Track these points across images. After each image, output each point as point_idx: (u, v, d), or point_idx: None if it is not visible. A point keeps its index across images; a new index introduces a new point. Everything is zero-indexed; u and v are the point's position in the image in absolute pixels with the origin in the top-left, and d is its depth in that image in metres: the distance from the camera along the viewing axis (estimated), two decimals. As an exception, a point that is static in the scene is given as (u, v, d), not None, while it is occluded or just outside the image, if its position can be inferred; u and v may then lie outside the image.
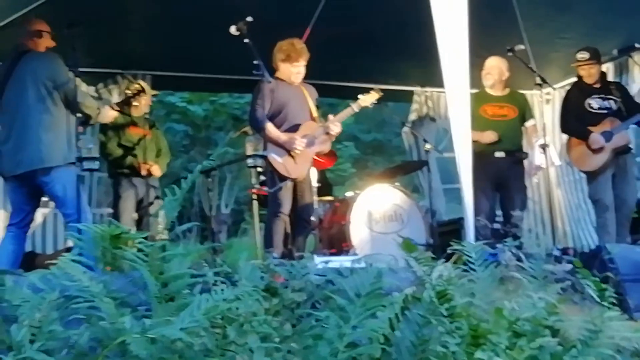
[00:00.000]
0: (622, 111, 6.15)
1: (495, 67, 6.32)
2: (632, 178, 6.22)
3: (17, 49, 5.05)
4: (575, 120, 6.22)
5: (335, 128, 5.66)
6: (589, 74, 6.20)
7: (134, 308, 2.31)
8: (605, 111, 6.19)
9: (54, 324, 2.18)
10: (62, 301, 2.25)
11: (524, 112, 6.48)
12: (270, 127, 5.36)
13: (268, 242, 5.26)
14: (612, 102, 6.21)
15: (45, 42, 5.08)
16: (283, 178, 5.36)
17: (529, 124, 6.49)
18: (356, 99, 5.91)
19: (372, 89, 5.96)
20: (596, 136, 6.06)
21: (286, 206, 5.40)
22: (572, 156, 6.33)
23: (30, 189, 5.00)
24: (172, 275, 2.24)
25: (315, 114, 5.70)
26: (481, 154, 5.89)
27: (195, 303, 1.96)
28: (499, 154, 6.24)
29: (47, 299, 2.21)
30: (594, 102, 6.23)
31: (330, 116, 5.74)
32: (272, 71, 5.48)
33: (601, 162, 6.08)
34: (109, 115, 5.51)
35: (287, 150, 5.42)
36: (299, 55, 5.53)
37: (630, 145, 6.30)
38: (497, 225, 5.95)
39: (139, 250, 2.27)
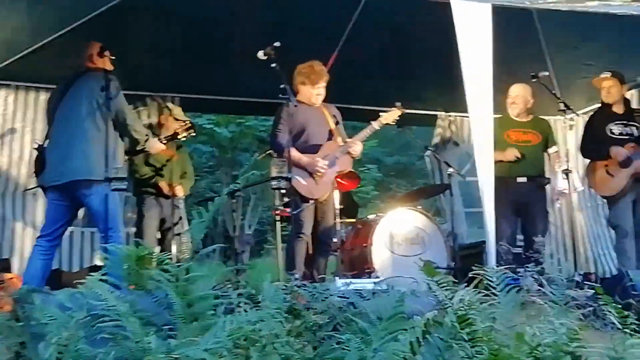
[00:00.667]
0: None
1: (520, 96, 6.34)
2: None
3: (77, 69, 5.16)
4: (595, 144, 6.21)
5: (356, 147, 5.70)
6: (609, 92, 6.16)
7: (159, 328, 2.34)
8: (626, 137, 6.16)
9: (81, 342, 2.22)
10: (89, 320, 2.28)
11: (547, 139, 6.46)
12: (291, 151, 5.42)
13: (290, 264, 5.29)
14: (634, 128, 6.17)
15: (106, 64, 5.18)
16: (305, 200, 5.40)
17: (552, 150, 6.47)
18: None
19: (394, 106, 5.97)
20: (619, 148, 6.05)
21: (308, 227, 5.44)
22: (592, 181, 6.31)
23: (69, 202, 5.06)
24: (196, 296, 2.27)
25: (336, 133, 5.74)
26: (503, 179, 5.88)
27: (219, 324, 1.99)
28: (521, 179, 6.24)
29: (75, 318, 2.25)
30: (615, 128, 6.20)
31: (355, 137, 5.78)
32: (294, 94, 5.54)
33: (620, 187, 6.05)
34: (157, 147, 5.59)
35: (309, 172, 5.47)
36: (319, 77, 5.60)
37: None
38: (518, 250, 5.95)
39: (165, 270, 2.31)
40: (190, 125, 6.21)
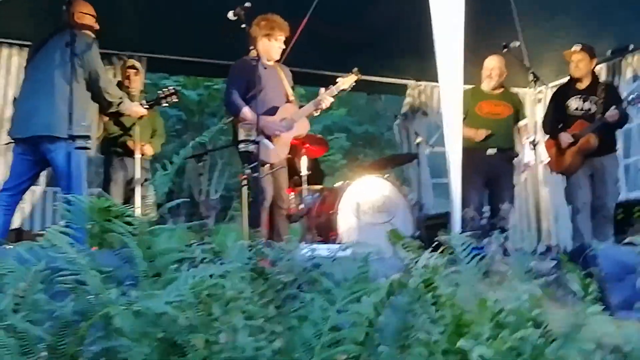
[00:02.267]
0: (599, 114, 6.14)
1: (497, 67, 6.36)
2: (611, 179, 6.25)
3: (59, 24, 5.06)
4: (553, 120, 6.31)
5: (327, 101, 5.63)
6: (577, 66, 6.20)
7: (120, 282, 2.31)
8: (580, 112, 6.23)
9: (39, 294, 2.18)
10: (47, 273, 2.24)
11: (518, 112, 6.52)
12: (246, 111, 5.34)
13: (254, 227, 5.25)
14: (592, 104, 6.21)
15: (90, 23, 5.09)
16: (262, 163, 5.33)
17: (521, 123, 6.55)
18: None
19: (351, 71, 5.90)
20: (564, 135, 6.12)
21: (269, 192, 5.39)
22: (549, 157, 6.41)
23: (34, 157, 5.00)
24: (159, 251, 2.24)
25: (291, 95, 5.68)
26: (473, 150, 5.92)
27: (182, 278, 1.96)
28: (491, 151, 6.29)
29: (33, 270, 2.21)
30: (573, 103, 6.24)
31: (322, 89, 5.69)
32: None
33: (567, 164, 6.17)
34: (136, 110, 5.52)
35: (265, 135, 5.38)
36: (281, 29, 5.48)
37: (617, 148, 6.33)
38: (484, 221, 5.98)
39: (127, 224, 2.27)
40: (174, 91, 6.14)
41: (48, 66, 4.98)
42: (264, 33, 5.48)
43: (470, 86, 6.27)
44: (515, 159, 6.50)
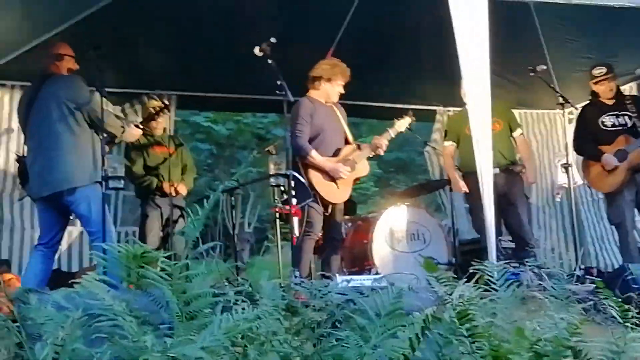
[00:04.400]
0: (637, 127, 6.00)
1: None
2: None
3: (42, 73, 5.15)
4: (589, 139, 6.10)
5: (384, 146, 5.70)
6: (608, 88, 6.09)
7: (156, 327, 2.33)
8: (619, 128, 6.07)
9: (77, 342, 2.21)
10: (85, 319, 2.27)
11: (510, 123, 6.31)
12: (314, 154, 5.39)
13: (296, 261, 5.25)
14: (626, 118, 6.07)
15: (68, 65, 5.17)
16: (326, 203, 5.40)
17: (516, 134, 6.33)
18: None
19: (406, 112, 5.96)
20: (608, 157, 5.95)
21: (317, 226, 5.42)
22: (588, 177, 6.20)
23: (57, 210, 5.08)
24: (193, 294, 2.26)
25: (350, 135, 5.73)
26: (474, 174, 5.85)
27: (216, 322, 1.97)
28: (494, 171, 6.00)
29: (71, 318, 2.24)
30: (607, 120, 6.11)
31: (376, 137, 5.75)
32: (300, 88, 5.50)
33: (617, 183, 5.95)
34: (134, 133, 5.56)
35: (330, 176, 5.45)
36: (344, 75, 5.55)
37: None
38: (510, 244, 5.90)
39: (162, 269, 2.29)
40: (164, 105, 6.17)
41: (47, 119, 4.99)
42: (328, 77, 5.53)
43: (460, 109, 6.23)
44: (523, 171, 6.23)
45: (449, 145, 6.49)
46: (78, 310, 2.28)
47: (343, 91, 5.63)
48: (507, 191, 6.04)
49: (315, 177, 5.41)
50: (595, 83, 6.12)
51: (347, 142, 5.72)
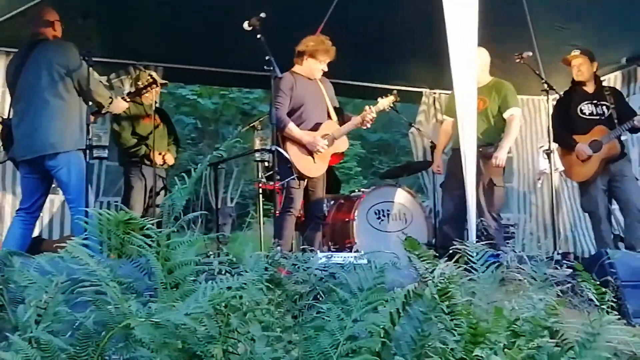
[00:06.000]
0: (613, 118, 6.07)
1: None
2: (633, 179, 6.13)
3: (32, 38, 5.12)
4: (564, 128, 6.13)
5: (371, 115, 5.65)
6: (579, 70, 6.13)
7: (139, 293, 2.35)
8: (596, 117, 6.14)
9: (60, 306, 2.22)
10: (68, 284, 2.28)
11: (503, 101, 6.05)
12: (292, 126, 5.40)
13: (278, 237, 5.28)
14: (604, 108, 6.14)
15: (57, 31, 5.15)
16: (300, 175, 5.41)
17: (506, 114, 6.04)
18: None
19: (390, 91, 5.94)
20: (582, 147, 6.01)
21: (297, 202, 5.44)
22: (564, 165, 6.25)
23: (40, 174, 5.08)
24: (178, 263, 2.27)
25: (332, 111, 5.73)
26: (453, 152, 5.86)
27: (201, 290, 1.99)
28: None
29: (54, 282, 2.25)
30: (585, 108, 6.16)
31: (367, 107, 5.72)
32: (288, 65, 5.49)
33: (590, 173, 6.03)
34: (121, 106, 5.56)
35: (307, 149, 5.46)
36: (328, 52, 5.55)
37: (626, 151, 6.24)
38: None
39: (147, 236, 2.30)
40: (152, 79, 6.14)
41: (37, 84, 5.00)
42: (312, 53, 5.53)
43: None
44: (495, 154, 5.90)
45: (449, 120, 6.32)
46: (61, 274, 2.29)
47: (326, 69, 5.64)
48: (482, 170, 5.75)
49: (292, 150, 5.42)
50: (568, 63, 6.17)
51: (330, 117, 5.73)
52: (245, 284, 2.05)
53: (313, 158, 5.51)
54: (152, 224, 2.35)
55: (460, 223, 5.74)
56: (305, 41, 5.58)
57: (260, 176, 5.65)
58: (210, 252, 3.02)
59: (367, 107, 5.69)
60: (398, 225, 6.46)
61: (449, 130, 6.30)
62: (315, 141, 5.46)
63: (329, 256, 4.29)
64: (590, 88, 6.19)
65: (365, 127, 5.79)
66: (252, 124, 6.54)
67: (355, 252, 5.57)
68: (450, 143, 6.29)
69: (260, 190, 5.72)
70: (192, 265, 2.29)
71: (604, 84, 6.52)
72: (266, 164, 5.65)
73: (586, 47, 6.17)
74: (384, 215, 6.48)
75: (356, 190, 7.27)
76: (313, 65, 5.58)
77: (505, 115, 6.05)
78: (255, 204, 5.58)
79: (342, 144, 5.75)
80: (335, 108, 5.81)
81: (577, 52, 6.10)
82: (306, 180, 5.51)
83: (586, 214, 6.74)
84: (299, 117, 5.51)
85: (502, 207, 6.27)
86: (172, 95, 14.17)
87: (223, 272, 2.55)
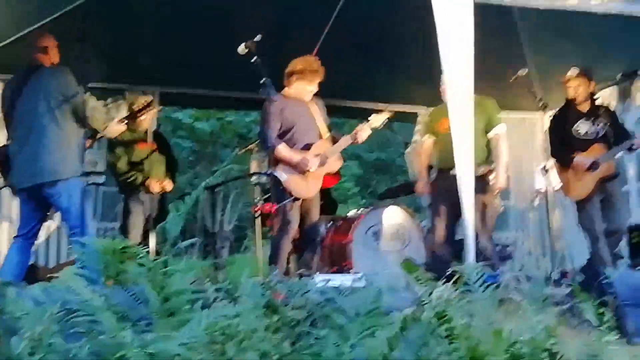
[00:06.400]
0: (609, 137, 6.08)
1: None
2: (621, 203, 6.20)
3: (29, 65, 5.12)
4: (562, 145, 6.11)
5: (364, 133, 5.64)
6: (577, 92, 6.12)
7: (134, 322, 2.32)
8: (592, 137, 6.14)
9: (55, 337, 2.20)
10: (63, 314, 2.26)
11: (486, 122, 5.86)
12: (282, 147, 5.39)
13: (274, 260, 5.26)
14: (599, 126, 6.14)
15: (54, 57, 5.15)
16: (295, 198, 5.38)
17: (491, 133, 5.86)
18: (362, 118, 5.92)
19: (382, 110, 5.94)
20: (580, 158, 6.02)
21: (294, 224, 5.41)
22: (561, 181, 6.23)
23: (37, 201, 5.07)
24: (173, 291, 2.25)
25: (324, 131, 5.71)
26: (440, 172, 5.84)
27: (196, 319, 1.97)
28: (454, 172, 5.17)
29: (48, 312, 2.23)
30: (581, 127, 6.17)
31: (359, 125, 5.72)
32: (280, 87, 5.50)
33: (587, 191, 6.02)
34: (116, 129, 5.54)
35: (298, 170, 5.44)
36: (317, 74, 5.54)
37: (620, 170, 6.27)
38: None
39: (141, 264, 2.29)
40: (149, 102, 6.12)
41: (34, 111, 4.98)
42: (300, 76, 5.52)
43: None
44: (491, 176, 5.80)
45: (429, 139, 6.19)
46: (55, 304, 2.26)
47: (316, 89, 5.62)
48: None
49: (285, 172, 5.39)
50: (565, 82, 6.15)
51: (321, 138, 5.72)
52: (241, 311, 2.03)
53: (305, 179, 5.48)
54: (147, 251, 2.33)
55: (453, 245, 5.72)
56: (293, 63, 5.56)
57: (257, 199, 5.63)
58: (207, 279, 3.00)
59: (359, 125, 5.69)
60: (396, 246, 6.44)
61: (429, 150, 6.22)
62: (305, 161, 5.43)
63: (327, 279, 4.27)
64: (584, 107, 6.19)
65: (356, 143, 5.75)
66: (248, 147, 6.52)
67: (353, 274, 5.56)
68: (436, 163, 6.12)
69: (258, 214, 5.70)
70: (188, 294, 2.27)
71: (599, 101, 6.52)
72: (264, 187, 5.64)
73: (585, 67, 6.17)
74: (381, 236, 6.46)
75: (354, 211, 7.24)
76: (302, 87, 5.56)
77: (491, 134, 5.89)
78: (253, 226, 5.54)
79: (335, 164, 5.73)
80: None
81: (575, 72, 6.10)
82: (300, 201, 5.48)
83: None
84: (289, 139, 5.47)
85: (499, 227, 6.24)
86: (169, 119, 14.19)
87: (219, 299, 2.53)
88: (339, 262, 6.39)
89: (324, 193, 6.76)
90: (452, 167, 5.62)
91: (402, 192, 7.63)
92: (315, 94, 5.70)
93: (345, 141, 5.66)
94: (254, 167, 5.51)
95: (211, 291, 2.54)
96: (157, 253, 5.25)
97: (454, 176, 5.59)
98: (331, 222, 6.92)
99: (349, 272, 5.97)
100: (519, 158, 8.57)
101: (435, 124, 5.97)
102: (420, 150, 6.36)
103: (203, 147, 15.92)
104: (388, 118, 5.87)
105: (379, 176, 17.93)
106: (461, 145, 4.75)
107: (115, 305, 2.29)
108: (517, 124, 8.68)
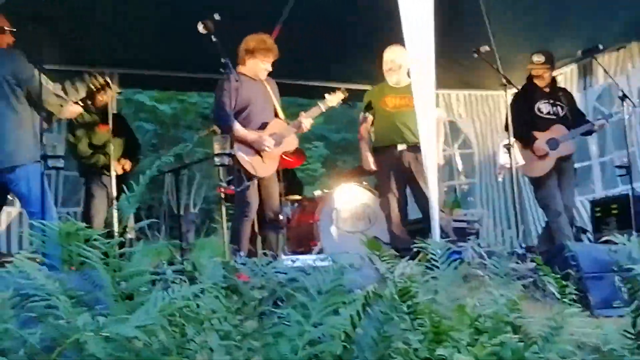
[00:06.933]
0: (568, 118, 6.22)
1: (396, 60, 5.96)
2: (573, 183, 6.36)
3: None
4: (524, 124, 6.13)
5: (307, 122, 5.62)
6: (543, 78, 6.23)
7: (91, 307, 2.26)
8: (553, 117, 6.24)
9: (9, 323, 2.14)
10: (17, 300, 2.20)
11: None
12: (237, 127, 5.33)
13: (235, 241, 5.22)
14: (559, 108, 6.26)
15: (7, 39, 5.00)
16: (250, 177, 5.32)
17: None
18: (323, 98, 5.88)
19: (338, 88, 5.92)
20: (541, 144, 6.11)
21: (253, 206, 5.37)
22: (523, 159, 6.28)
23: None
24: (129, 273, 2.20)
25: (280, 110, 5.67)
26: (383, 149, 5.86)
27: (151, 300, 1.93)
28: (401, 147, 5.86)
29: (1, 298, 2.17)
30: (543, 107, 6.25)
31: (302, 113, 5.70)
32: (236, 66, 5.44)
33: (546, 170, 6.13)
34: (72, 110, 5.42)
35: (254, 149, 5.39)
36: (270, 52, 5.48)
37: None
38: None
39: (93, 247, 2.23)
40: (105, 82, 6.01)
41: None
42: (252, 53, 5.46)
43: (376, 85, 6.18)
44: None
45: (368, 116, 6.22)
46: (9, 290, 2.20)
47: (270, 68, 5.57)
48: (414, 171, 5.80)
49: (241, 151, 5.34)
50: (533, 69, 6.23)
51: (277, 117, 5.68)
52: (200, 292, 1.99)
53: (262, 158, 5.43)
54: (102, 235, 2.28)
55: (411, 223, 5.94)
56: (246, 40, 5.49)
57: (221, 180, 5.57)
58: (171, 261, 2.95)
59: (302, 113, 5.67)
60: (362, 225, 6.44)
61: (368, 127, 6.25)
62: (261, 139, 5.39)
63: (293, 259, 4.26)
64: (547, 87, 6.27)
65: (302, 132, 5.74)
66: (212, 129, 6.44)
67: (319, 253, 5.54)
68: (379, 140, 6.18)
69: (222, 195, 5.64)
70: (145, 276, 2.22)
71: (559, 78, 6.61)
72: (227, 168, 5.57)
73: (547, 51, 6.22)
74: (347, 216, 6.45)
75: (320, 192, 7.22)
76: (256, 65, 5.51)
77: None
78: (219, 209, 5.48)
79: (292, 143, 5.69)
80: None
81: (541, 59, 6.14)
82: (257, 181, 5.42)
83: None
84: (245, 117, 5.42)
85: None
86: (130, 101, 14.01)
87: (179, 281, 2.49)
88: (306, 242, 6.38)
89: (290, 174, 6.72)
90: (395, 144, 5.79)
91: (368, 171, 7.62)
92: (269, 74, 5.65)
93: (294, 125, 5.63)
94: (217, 148, 5.42)
95: (169, 273, 2.50)
96: (121, 235, 5.17)
97: (400, 152, 5.76)
98: (297, 203, 6.89)
99: (315, 252, 5.96)
100: (483, 135, 8.64)
101: (377, 102, 5.99)
102: (361, 127, 6.37)
103: (165, 129, 15.77)
104: (343, 98, 5.85)
105: (345, 156, 17.93)
106: (424, 125, 4.75)
107: (71, 290, 2.24)
108: (482, 101, 8.75)
